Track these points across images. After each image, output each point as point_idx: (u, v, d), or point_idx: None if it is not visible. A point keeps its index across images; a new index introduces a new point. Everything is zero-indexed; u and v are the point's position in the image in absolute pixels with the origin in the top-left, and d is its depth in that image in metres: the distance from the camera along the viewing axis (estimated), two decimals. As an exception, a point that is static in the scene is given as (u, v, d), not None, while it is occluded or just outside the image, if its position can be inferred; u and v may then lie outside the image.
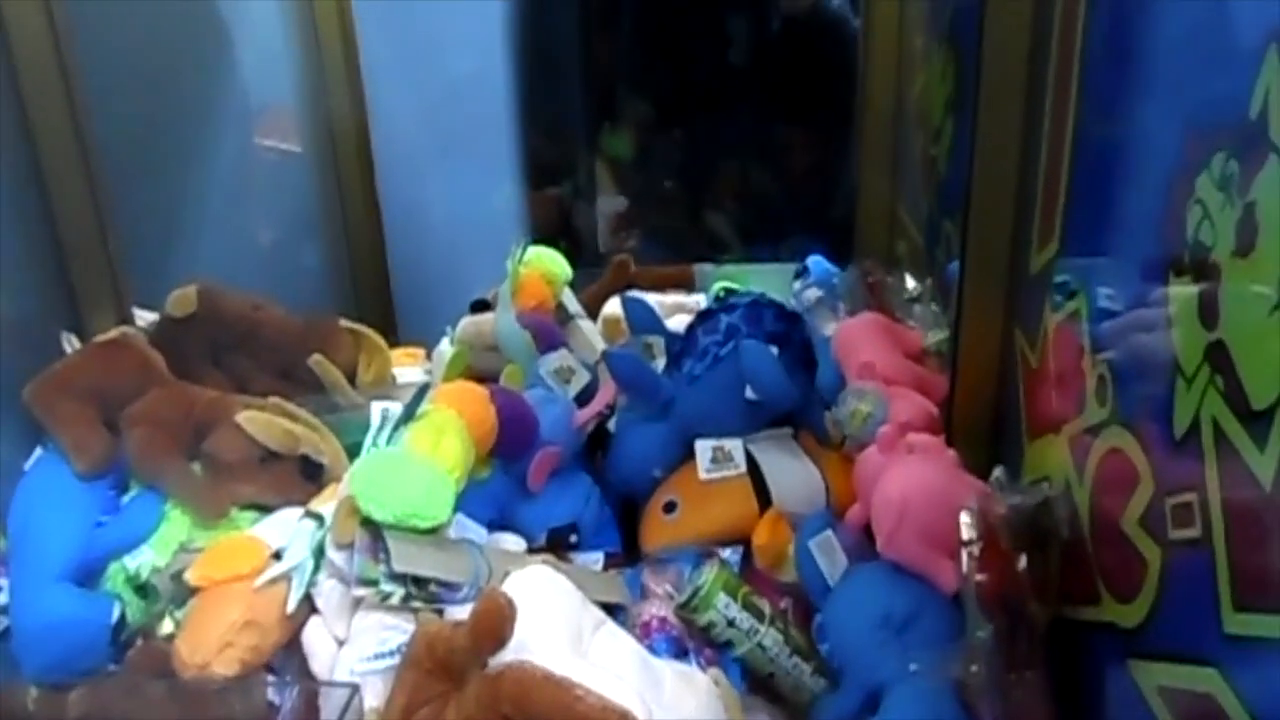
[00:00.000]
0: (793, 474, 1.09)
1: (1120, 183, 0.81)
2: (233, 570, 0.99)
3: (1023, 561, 0.84)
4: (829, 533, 0.98)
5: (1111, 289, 0.83)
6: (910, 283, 1.49)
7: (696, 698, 0.87)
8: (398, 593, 0.89)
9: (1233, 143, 0.62)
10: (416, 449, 0.92)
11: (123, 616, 1.02)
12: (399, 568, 0.86)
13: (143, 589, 1.05)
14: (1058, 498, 0.88)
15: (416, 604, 0.90)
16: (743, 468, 1.08)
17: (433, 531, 0.91)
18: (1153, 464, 0.73)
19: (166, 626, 1.04)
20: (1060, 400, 0.92)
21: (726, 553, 1.05)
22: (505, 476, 1.10)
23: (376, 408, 0.96)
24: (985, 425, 1.09)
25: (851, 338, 1.27)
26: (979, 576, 0.81)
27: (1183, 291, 0.69)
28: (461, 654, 0.79)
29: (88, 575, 1.03)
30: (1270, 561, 0.58)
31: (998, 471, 0.91)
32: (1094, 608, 0.83)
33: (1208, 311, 0.65)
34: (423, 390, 0.99)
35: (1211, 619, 0.64)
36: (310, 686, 0.94)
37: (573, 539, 1.10)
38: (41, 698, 0.96)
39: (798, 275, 1.69)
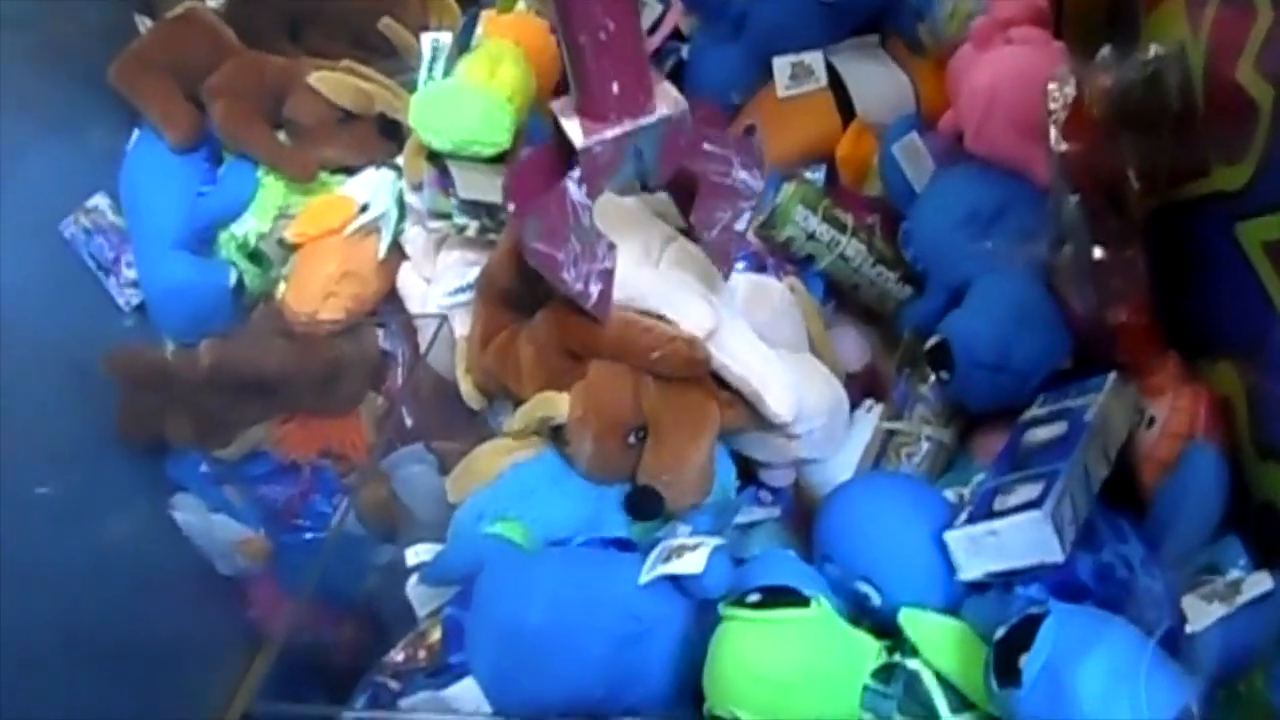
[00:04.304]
0: (879, 83, 1.01)
1: None
2: (325, 225, 1.04)
3: (1127, 140, 0.77)
4: (914, 135, 0.92)
5: None
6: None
7: (770, 304, 0.86)
8: (472, 225, 0.90)
9: None
10: (472, 78, 0.89)
11: (240, 281, 1.09)
12: (463, 194, 0.87)
13: (254, 255, 1.11)
14: (1169, 63, 0.78)
15: (493, 237, 0.92)
16: (823, 81, 1.01)
17: (499, 160, 0.91)
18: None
19: (282, 290, 1.10)
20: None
21: (809, 174, 1.00)
22: (579, 116, 1.06)
23: (426, 39, 0.93)
24: (1100, 12, 0.97)
25: (953, -66, 1.13)
26: (1064, 146, 0.74)
27: None
28: (519, 281, 0.80)
29: (201, 245, 1.10)
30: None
31: (1105, 50, 0.82)
32: (1202, 181, 0.76)
33: None
34: (473, 18, 0.95)
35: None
36: (407, 321, 0.99)
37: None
38: (178, 350, 1.06)
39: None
